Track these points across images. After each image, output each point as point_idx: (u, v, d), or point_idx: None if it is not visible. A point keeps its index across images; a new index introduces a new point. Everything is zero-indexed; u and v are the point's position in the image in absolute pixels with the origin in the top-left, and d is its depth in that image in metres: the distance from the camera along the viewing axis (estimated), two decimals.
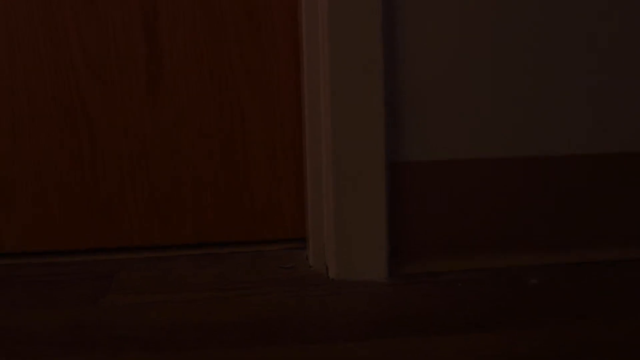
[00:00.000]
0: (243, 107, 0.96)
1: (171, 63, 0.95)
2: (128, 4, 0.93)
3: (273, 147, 0.97)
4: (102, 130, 0.95)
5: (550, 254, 0.90)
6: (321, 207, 0.89)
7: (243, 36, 0.95)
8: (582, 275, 0.85)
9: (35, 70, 0.93)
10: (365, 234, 0.84)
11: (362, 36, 0.82)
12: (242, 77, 0.96)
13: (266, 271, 0.89)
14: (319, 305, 0.78)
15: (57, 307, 0.78)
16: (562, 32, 0.86)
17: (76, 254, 0.97)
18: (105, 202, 0.96)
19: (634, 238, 0.90)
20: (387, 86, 0.83)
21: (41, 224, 0.96)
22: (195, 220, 0.98)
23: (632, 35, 0.87)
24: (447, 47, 0.85)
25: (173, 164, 0.96)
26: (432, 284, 0.83)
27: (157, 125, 0.96)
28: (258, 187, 0.98)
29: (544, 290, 0.81)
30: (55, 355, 0.66)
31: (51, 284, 0.87)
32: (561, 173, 0.89)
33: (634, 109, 0.88)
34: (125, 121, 0.95)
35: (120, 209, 0.96)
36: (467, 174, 0.87)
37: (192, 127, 0.96)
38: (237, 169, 0.97)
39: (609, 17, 0.87)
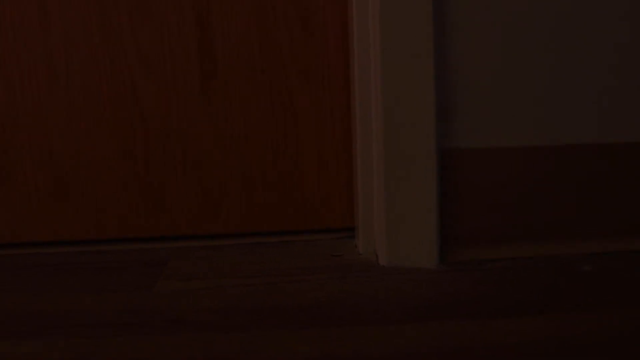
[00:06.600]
0: (294, 101, 0.97)
1: (224, 58, 0.96)
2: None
3: (323, 140, 0.98)
4: (154, 126, 0.97)
5: (600, 242, 0.89)
6: (371, 195, 0.89)
7: (295, 33, 0.96)
8: (634, 263, 0.84)
9: (91, 71, 0.96)
10: (415, 221, 0.84)
11: (413, 28, 0.82)
12: (294, 73, 0.97)
13: (316, 259, 0.90)
14: (371, 290, 0.78)
15: (114, 293, 0.80)
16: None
17: (126, 242, 1.00)
18: (156, 192, 0.98)
19: None
20: (437, 74, 0.84)
21: (93, 214, 0.98)
22: (245, 210, 0.99)
23: None
24: (494, 42, 0.85)
25: (224, 156, 0.98)
26: (482, 270, 0.83)
27: (209, 120, 0.97)
28: (308, 178, 0.99)
29: (593, 278, 0.80)
30: (114, 335, 0.68)
31: (105, 271, 0.89)
32: (611, 162, 0.88)
33: None
34: (178, 118, 0.97)
35: (170, 199, 0.98)
36: (516, 162, 0.87)
37: (244, 122, 0.97)
38: (288, 161, 0.98)
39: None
